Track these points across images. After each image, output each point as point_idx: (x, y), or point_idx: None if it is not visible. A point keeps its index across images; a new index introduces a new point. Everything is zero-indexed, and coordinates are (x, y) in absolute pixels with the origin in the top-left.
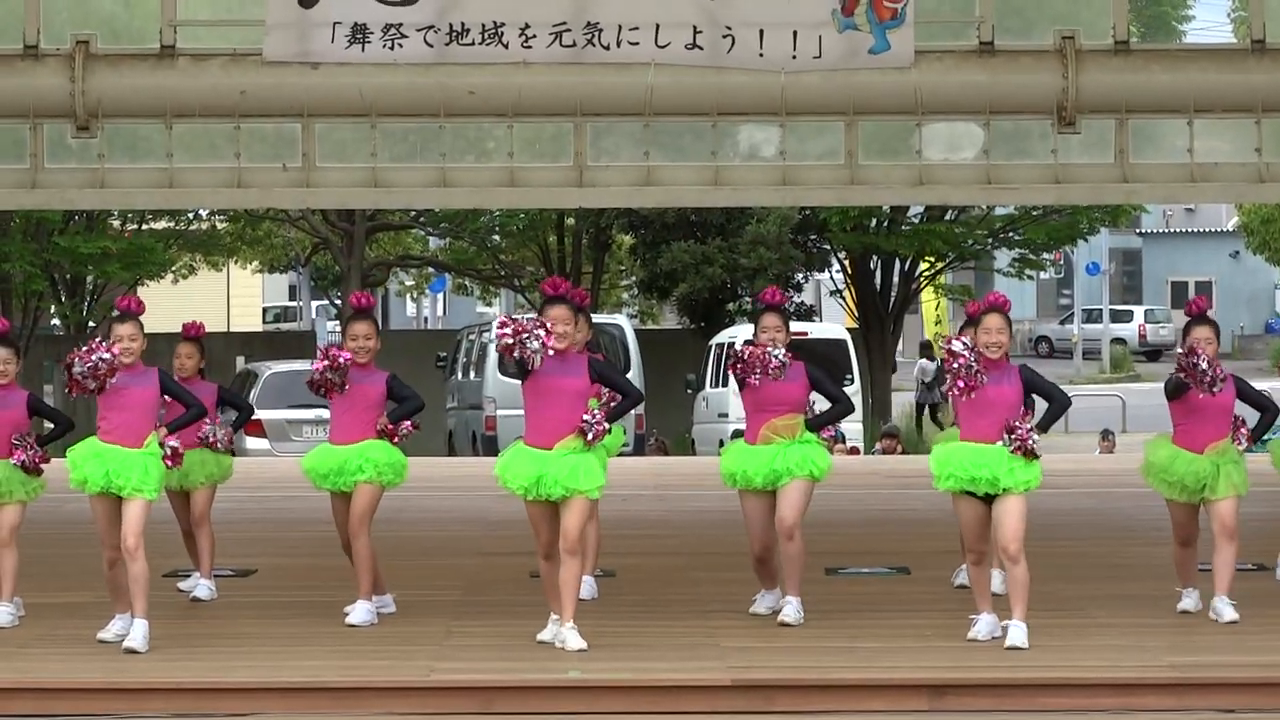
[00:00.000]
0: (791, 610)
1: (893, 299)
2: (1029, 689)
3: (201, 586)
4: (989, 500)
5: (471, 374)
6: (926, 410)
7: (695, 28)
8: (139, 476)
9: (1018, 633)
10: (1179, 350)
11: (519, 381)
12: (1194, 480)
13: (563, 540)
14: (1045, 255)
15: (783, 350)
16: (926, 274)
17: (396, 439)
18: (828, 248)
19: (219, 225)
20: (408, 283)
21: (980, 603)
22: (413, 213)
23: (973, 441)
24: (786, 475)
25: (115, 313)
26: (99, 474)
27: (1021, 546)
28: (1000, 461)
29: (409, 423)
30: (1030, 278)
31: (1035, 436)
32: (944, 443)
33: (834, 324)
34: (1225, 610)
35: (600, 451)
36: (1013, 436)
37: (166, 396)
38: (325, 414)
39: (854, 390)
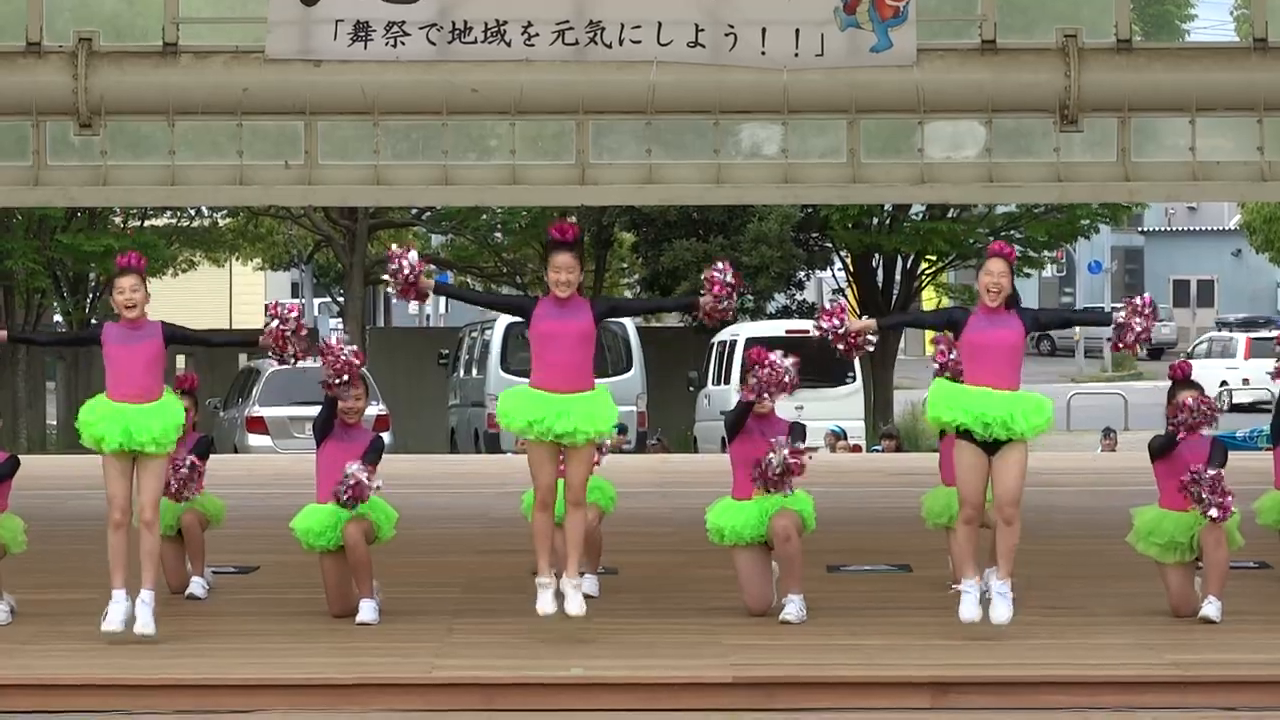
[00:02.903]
0: (794, 608)
1: (894, 297)
2: (1031, 687)
3: (196, 584)
4: (990, 452)
5: (474, 371)
6: None
7: (697, 26)
8: (160, 428)
9: (1002, 606)
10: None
11: (523, 379)
12: (1185, 535)
13: (568, 491)
14: (1047, 253)
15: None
16: (928, 272)
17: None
18: (829, 246)
19: (220, 222)
20: None
21: (963, 569)
22: (415, 210)
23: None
24: (775, 508)
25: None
26: (117, 431)
27: (1019, 509)
28: (1013, 404)
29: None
30: (1029, 275)
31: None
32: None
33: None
34: (1210, 610)
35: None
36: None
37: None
38: None
39: (855, 388)
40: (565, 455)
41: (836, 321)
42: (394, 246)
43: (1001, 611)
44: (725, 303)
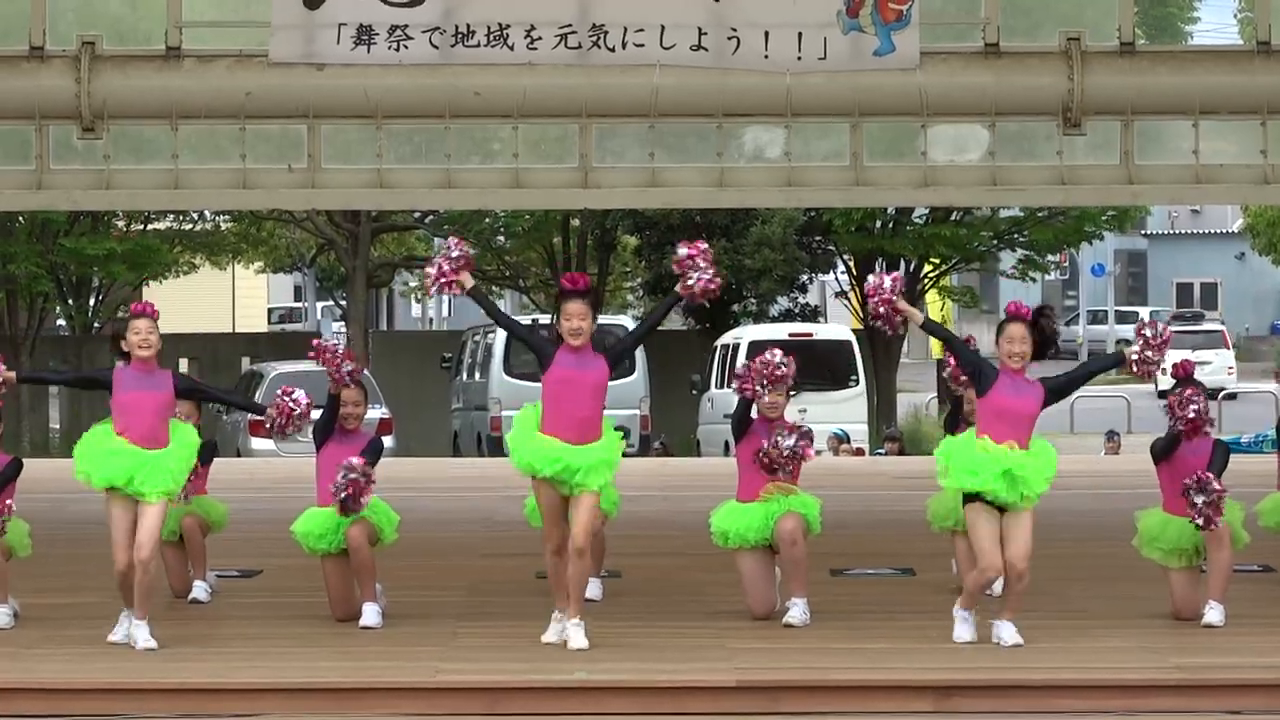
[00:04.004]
0: (798, 611)
1: None
2: (1034, 690)
3: (199, 588)
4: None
5: (477, 375)
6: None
7: (700, 29)
8: (164, 480)
9: (1009, 629)
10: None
11: (526, 382)
12: (1189, 541)
13: (571, 540)
14: (1050, 257)
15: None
16: (931, 276)
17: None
18: (832, 249)
19: (223, 225)
20: (412, 284)
21: (969, 599)
22: (417, 213)
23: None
24: (781, 511)
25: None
26: (120, 474)
27: (1029, 564)
28: (1026, 466)
29: None
30: (1033, 280)
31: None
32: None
33: (839, 325)
34: (1214, 615)
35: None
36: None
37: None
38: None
39: (858, 391)
40: (571, 501)
41: (891, 283)
42: (450, 240)
43: (1011, 635)
44: (696, 275)
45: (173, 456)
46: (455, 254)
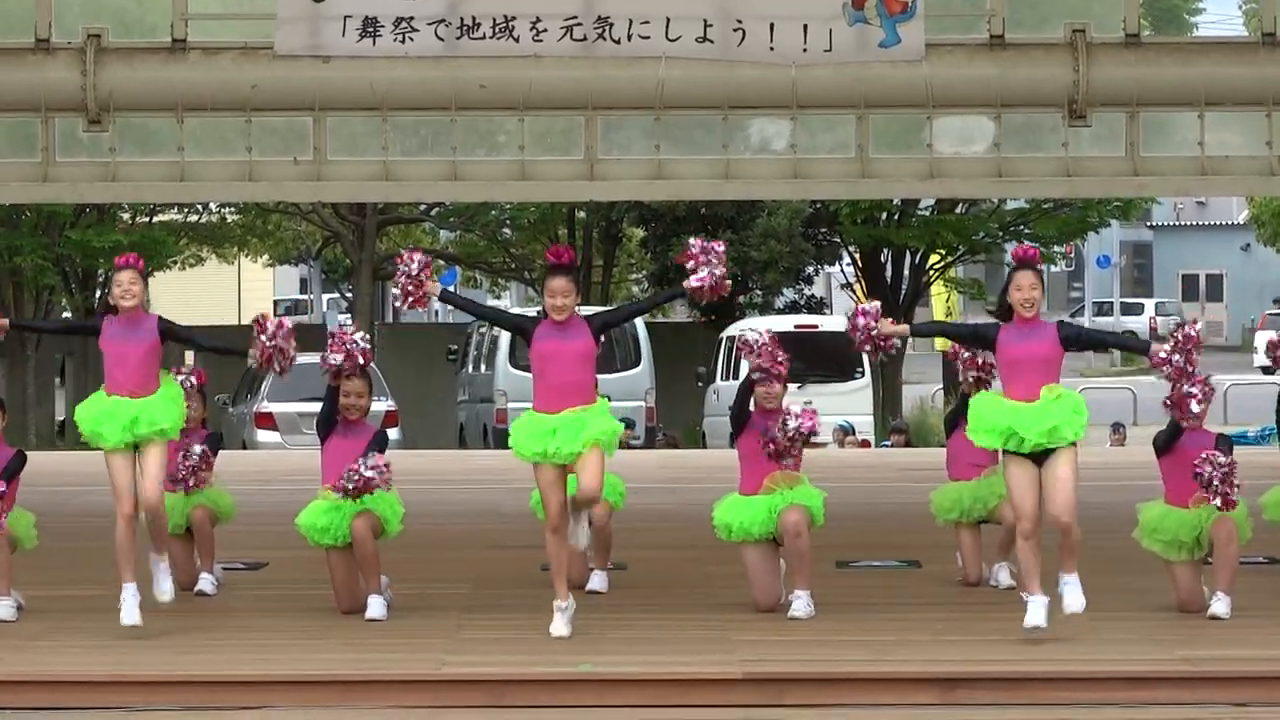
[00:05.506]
0: (802, 604)
1: (903, 292)
2: (1040, 682)
3: (205, 580)
4: (1037, 462)
5: (482, 367)
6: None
7: (706, 21)
8: (159, 418)
9: (1074, 594)
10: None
11: (531, 375)
12: (1189, 534)
13: (579, 493)
14: (1056, 248)
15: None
16: (936, 267)
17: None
18: (838, 241)
19: (228, 218)
20: None
21: (1030, 584)
22: (423, 206)
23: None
24: (785, 504)
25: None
26: (117, 428)
27: (1075, 517)
28: (1047, 414)
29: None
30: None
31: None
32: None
33: (844, 317)
34: (1220, 607)
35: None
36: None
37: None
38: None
39: (864, 383)
40: (577, 465)
41: (871, 322)
42: (403, 252)
43: (1074, 600)
44: (707, 270)
45: (163, 399)
46: (414, 269)
